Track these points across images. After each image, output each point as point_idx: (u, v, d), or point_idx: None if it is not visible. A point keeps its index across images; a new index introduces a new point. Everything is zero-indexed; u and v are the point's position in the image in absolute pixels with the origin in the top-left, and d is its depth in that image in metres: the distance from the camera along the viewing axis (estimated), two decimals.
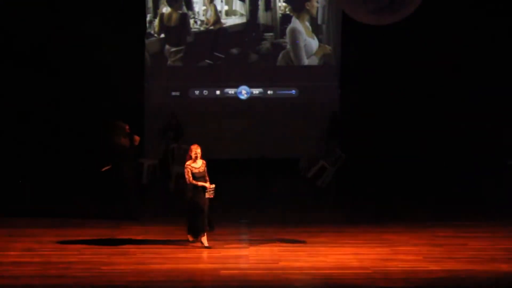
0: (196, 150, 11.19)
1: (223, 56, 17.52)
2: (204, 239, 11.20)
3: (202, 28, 17.45)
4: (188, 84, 17.54)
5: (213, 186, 11.21)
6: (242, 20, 17.50)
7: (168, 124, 16.33)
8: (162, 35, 17.45)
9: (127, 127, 12.94)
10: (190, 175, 11.13)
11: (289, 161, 16.74)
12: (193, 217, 11.19)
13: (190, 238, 11.38)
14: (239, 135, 17.10)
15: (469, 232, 12.27)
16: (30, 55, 16.54)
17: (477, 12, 16.73)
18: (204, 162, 11.29)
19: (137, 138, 12.92)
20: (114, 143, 12.89)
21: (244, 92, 17.57)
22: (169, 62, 17.52)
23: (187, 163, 11.19)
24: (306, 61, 17.58)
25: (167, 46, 17.47)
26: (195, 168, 11.18)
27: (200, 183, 11.14)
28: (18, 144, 16.46)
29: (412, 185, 15.97)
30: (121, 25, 16.55)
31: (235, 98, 17.57)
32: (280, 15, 17.50)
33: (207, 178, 11.27)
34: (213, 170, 16.54)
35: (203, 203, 11.13)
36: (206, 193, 11.15)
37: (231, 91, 17.61)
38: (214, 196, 11.24)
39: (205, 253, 10.96)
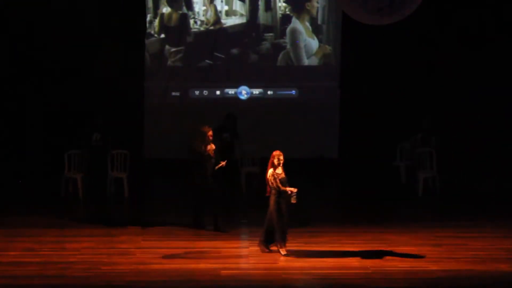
0: (279, 156, 10.88)
1: (223, 56, 17.51)
2: (283, 248, 10.95)
3: (202, 28, 17.45)
4: (188, 84, 17.53)
5: (296, 189, 10.88)
6: (242, 20, 17.49)
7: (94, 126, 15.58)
8: (162, 35, 17.44)
9: (209, 133, 12.16)
10: (278, 182, 10.81)
11: (289, 161, 16.69)
12: (281, 224, 10.85)
13: (266, 249, 10.99)
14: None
15: (469, 232, 12.28)
16: (29, 54, 16.53)
17: (478, 12, 16.73)
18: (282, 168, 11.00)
19: (212, 146, 12.17)
20: (193, 148, 12.23)
21: (244, 92, 17.56)
22: (169, 62, 17.51)
23: (271, 171, 10.87)
24: (306, 61, 17.57)
25: (167, 46, 17.46)
26: (279, 174, 10.87)
27: (288, 189, 10.82)
28: (17, 144, 16.47)
29: (411, 185, 15.96)
30: (121, 25, 16.55)
31: (235, 98, 17.56)
32: (280, 15, 17.50)
33: (288, 184, 10.94)
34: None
35: (288, 210, 10.87)
36: (292, 198, 10.82)
37: (231, 91, 17.61)
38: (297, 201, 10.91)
39: (205, 253, 10.95)
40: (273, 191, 10.85)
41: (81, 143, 15.31)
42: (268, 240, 11.00)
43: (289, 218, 10.94)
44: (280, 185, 10.81)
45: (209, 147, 12.07)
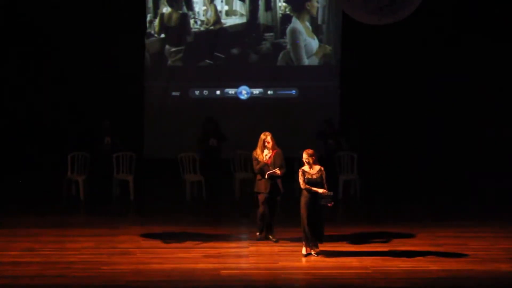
0: (308, 155, 10.75)
1: (223, 56, 17.52)
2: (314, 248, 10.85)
3: (202, 28, 17.45)
4: (188, 84, 17.54)
5: (330, 193, 10.70)
6: (242, 20, 17.49)
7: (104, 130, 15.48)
8: (162, 35, 17.45)
9: (266, 139, 11.41)
10: (303, 179, 10.72)
11: (289, 160, 16.70)
12: (308, 224, 10.75)
13: (305, 251, 10.87)
14: (239, 135, 17.07)
15: (469, 232, 12.28)
16: (29, 54, 16.54)
17: (479, 12, 16.72)
18: (322, 168, 10.82)
19: (270, 152, 11.34)
20: (252, 155, 11.52)
21: (244, 92, 17.56)
22: (169, 62, 17.51)
23: (303, 167, 10.81)
24: (306, 61, 17.58)
25: (167, 46, 17.46)
26: (309, 173, 10.76)
27: (313, 189, 10.70)
28: (18, 144, 16.47)
29: (412, 185, 15.97)
30: (121, 25, 16.55)
31: (235, 98, 17.56)
32: (280, 15, 17.50)
33: (326, 186, 10.78)
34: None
35: (318, 211, 10.74)
36: (322, 200, 10.68)
37: (231, 91, 17.61)
38: (332, 205, 10.74)
39: (205, 253, 10.95)
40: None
41: (94, 147, 15.27)
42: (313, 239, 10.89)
43: (323, 219, 10.84)
44: (303, 183, 10.75)
45: (266, 152, 11.41)
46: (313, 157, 10.82)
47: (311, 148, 10.99)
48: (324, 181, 10.84)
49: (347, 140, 16.06)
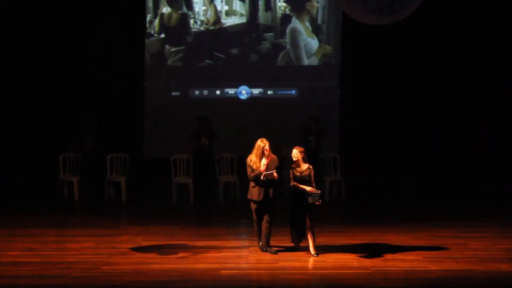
0: (296, 153, 10.83)
1: (223, 56, 17.52)
2: (311, 247, 10.86)
3: (202, 28, 17.46)
4: (188, 84, 17.54)
5: (318, 191, 10.74)
6: (242, 20, 17.50)
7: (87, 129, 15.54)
8: (162, 35, 17.45)
9: (265, 147, 10.92)
10: (291, 177, 10.81)
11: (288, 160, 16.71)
12: (294, 221, 10.88)
13: (293, 244, 11.07)
14: (239, 135, 17.09)
15: (469, 232, 12.29)
16: (29, 54, 16.54)
17: (479, 12, 16.72)
18: (310, 166, 10.89)
19: (266, 160, 10.94)
20: (247, 163, 11.10)
21: (244, 92, 17.56)
22: (169, 62, 17.51)
23: (293, 165, 10.88)
24: (306, 61, 17.58)
25: (167, 46, 17.47)
26: (297, 171, 10.83)
27: (301, 186, 10.78)
28: (18, 144, 16.47)
29: (412, 185, 15.98)
30: (121, 25, 16.55)
31: (235, 98, 17.56)
32: (280, 15, 17.50)
33: (314, 185, 10.84)
34: None
35: (304, 208, 10.78)
36: (309, 198, 10.71)
37: (231, 91, 17.61)
38: (320, 204, 10.74)
39: (205, 253, 10.96)
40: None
41: (73, 148, 15.25)
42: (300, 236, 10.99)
43: (313, 217, 10.86)
44: (291, 180, 10.80)
45: (263, 161, 10.93)
46: (303, 154, 10.89)
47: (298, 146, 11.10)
48: (313, 179, 10.91)
49: (326, 139, 16.07)
